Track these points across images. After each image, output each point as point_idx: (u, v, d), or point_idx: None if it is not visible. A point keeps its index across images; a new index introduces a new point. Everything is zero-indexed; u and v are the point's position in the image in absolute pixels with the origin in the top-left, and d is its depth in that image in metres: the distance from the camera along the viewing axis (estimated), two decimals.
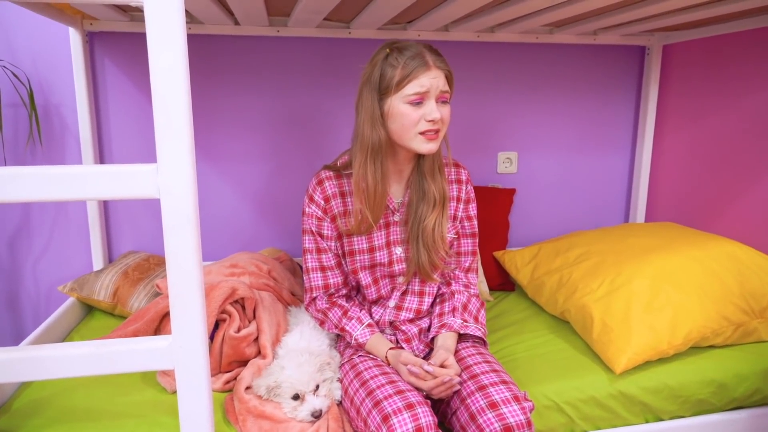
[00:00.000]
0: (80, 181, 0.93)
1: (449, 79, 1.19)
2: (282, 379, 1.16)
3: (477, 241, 1.39)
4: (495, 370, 1.15)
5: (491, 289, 1.94)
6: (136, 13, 1.73)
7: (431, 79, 1.14)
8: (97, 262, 1.86)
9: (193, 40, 1.85)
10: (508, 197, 2.09)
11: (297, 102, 1.95)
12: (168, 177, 0.96)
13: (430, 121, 1.15)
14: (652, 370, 1.35)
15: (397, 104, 1.15)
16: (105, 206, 1.89)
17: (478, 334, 1.28)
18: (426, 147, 1.18)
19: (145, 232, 1.94)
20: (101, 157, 1.87)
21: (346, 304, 1.31)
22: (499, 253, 1.97)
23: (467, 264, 1.38)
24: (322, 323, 1.33)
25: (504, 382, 1.11)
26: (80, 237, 1.89)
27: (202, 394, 1.04)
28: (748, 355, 1.41)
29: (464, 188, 1.35)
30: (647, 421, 1.35)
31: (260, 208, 1.99)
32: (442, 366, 1.13)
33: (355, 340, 1.26)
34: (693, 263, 1.49)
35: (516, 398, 1.07)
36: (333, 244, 1.30)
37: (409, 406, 1.03)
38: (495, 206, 2.06)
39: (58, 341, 1.43)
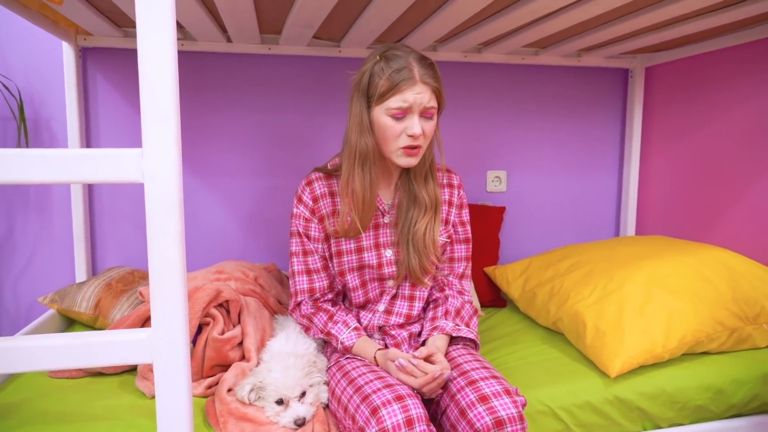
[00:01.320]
0: (65, 164, 0.92)
1: (437, 94, 1.16)
2: (268, 381, 1.12)
3: (470, 247, 1.37)
4: (486, 368, 1.12)
5: (482, 305, 1.91)
6: (129, 29, 1.76)
7: (415, 95, 1.11)
8: (81, 277, 1.82)
9: (185, 56, 1.88)
10: (498, 215, 2.09)
11: (287, 119, 1.97)
12: (153, 162, 0.95)
13: (410, 136, 1.14)
14: (648, 375, 1.32)
15: (380, 115, 1.15)
16: (91, 220, 1.87)
17: (471, 336, 1.25)
18: (404, 161, 1.18)
19: (130, 247, 1.91)
20: None
21: (332, 309, 1.28)
22: (490, 268, 1.95)
23: (461, 270, 1.35)
24: (307, 329, 1.30)
25: (494, 377, 1.07)
26: (64, 251, 1.85)
27: (181, 391, 1.00)
28: (744, 361, 1.38)
29: (456, 193, 1.34)
30: (645, 429, 1.30)
31: (249, 224, 1.98)
32: (428, 359, 1.09)
33: (342, 343, 1.22)
34: (685, 269, 1.48)
35: (507, 392, 1.03)
36: (320, 246, 1.28)
37: (399, 398, 0.99)
38: (485, 224, 2.05)
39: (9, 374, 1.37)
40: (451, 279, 1.34)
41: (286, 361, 1.15)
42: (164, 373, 0.99)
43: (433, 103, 1.15)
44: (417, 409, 0.98)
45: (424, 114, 1.15)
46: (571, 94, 2.19)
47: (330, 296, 1.30)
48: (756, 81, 1.70)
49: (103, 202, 1.88)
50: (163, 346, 0.98)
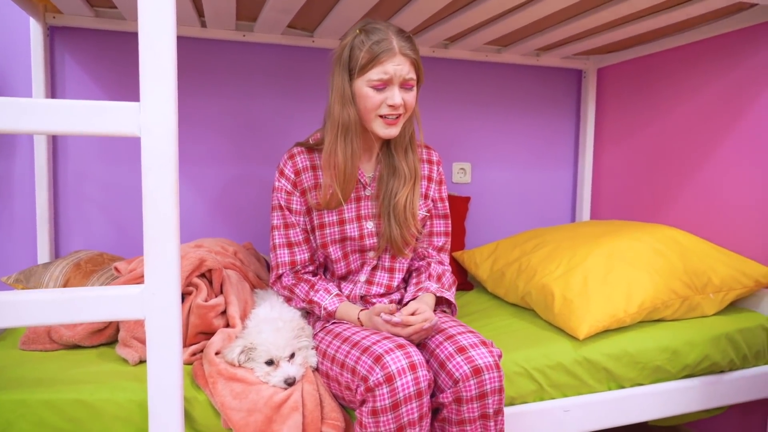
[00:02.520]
0: (61, 114, 0.93)
1: (416, 66, 1.21)
2: (258, 342, 1.13)
3: (449, 223, 1.43)
4: (462, 325, 1.18)
5: None
6: (101, 9, 1.74)
7: (395, 66, 1.16)
8: (43, 260, 1.75)
9: None
10: (463, 205, 2.17)
11: (258, 107, 1.99)
12: (150, 116, 0.97)
13: (390, 105, 1.18)
14: (612, 338, 1.41)
15: (361, 86, 1.19)
16: (54, 203, 1.81)
17: (452, 299, 1.30)
18: (385, 131, 1.22)
19: (95, 231, 1.86)
20: (54, 154, 1.81)
21: (313, 279, 1.31)
22: (458, 253, 2.02)
23: (440, 244, 1.41)
24: (288, 300, 1.31)
25: (470, 332, 1.13)
26: (26, 234, 1.79)
27: (173, 347, 1.01)
28: (696, 326, 1.50)
29: (435, 169, 1.40)
30: (610, 389, 1.39)
31: (219, 210, 1.97)
32: (413, 314, 1.14)
33: (325, 309, 1.25)
34: (640, 244, 1.60)
35: (483, 343, 1.09)
36: (301, 219, 1.30)
37: (401, 346, 1.03)
38: (451, 213, 2.11)
39: None
40: (431, 251, 1.40)
41: (275, 324, 1.16)
42: (156, 329, 1.00)
43: (413, 75, 1.20)
44: (418, 356, 1.03)
45: (404, 85, 1.19)
46: (530, 93, 2.32)
47: (311, 268, 1.33)
48: (696, 80, 1.87)
49: (68, 186, 1.83)
50: (155, 301, 1.00)
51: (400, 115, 1.21)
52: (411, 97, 1.22)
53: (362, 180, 1.31)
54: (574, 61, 2.29)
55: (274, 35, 1.92)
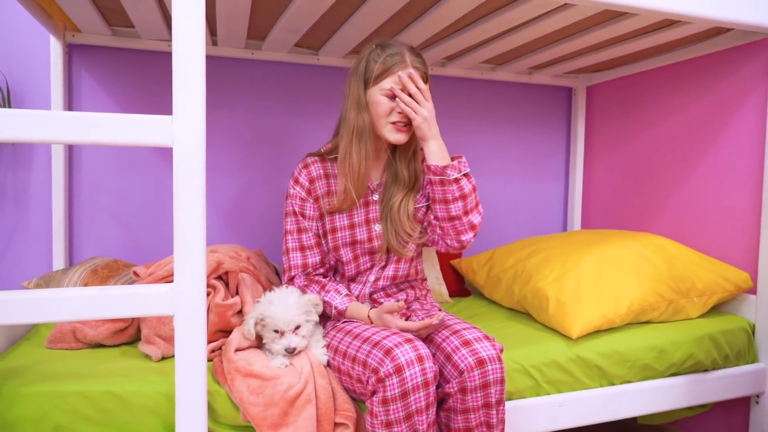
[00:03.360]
0: (100, 127, 1.02)
1: (425, 80, 1.32)
2: (267, 314, 1.21)
3: None
4: (465, 321, 1.26)
5: (450, 294, 2.06)
6: (119, 28, 1.84)
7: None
8: (59, 267, 1.82)
9: (169, 57, 1.97)
10: None
11: (266, 121, 2.08)
12: (181, 128, 1.06)
13: (400, 112, 1.29)
14: (603, 338, 1.50)
15: (375, 94, 1.29)
16: (69, 213, 1.89)
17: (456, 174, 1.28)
18: (394, 137, 1.31)
19: (108, 240, 1.93)
20: (70, 166, 1.89)
21: (324, 280, 1.39)
22: (456, 261, 2.11)
23: None
24: None
25: (474, 327, 1.22)
26: (41, 243, 1.86)
27: (198, 341, 1.09)
28: (681, 327, 1.60)
29: None
30: (602, 386, 1.47)
31: (228, 218, 2.05)
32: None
33: (335, 308, 1.33)
34: (629, 251, 1.70)
35: (486, 338, 1.18)
36: (314, 224, 1.39)
37: (409, 341, 1.12)
38: None
39: (2, 349, 1.39)
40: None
41: (286, 299, 1.23)
42: (184, 324, 1.08)
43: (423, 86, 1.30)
44: (425, 349, 1.11)
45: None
46: (523, 109, 2.44)
47: (321, 270, 1.41)
48: (679, 97, 1.99)
49: (82, 196, 1.91)
50: (184, 299, 1.08)
51: (408, 122, 1.31)
52: None
53: (370, 186, 1.40)
54: (565, 79, 2.41)
55: (282, 53, 2.03)
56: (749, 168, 1.74)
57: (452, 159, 1.30)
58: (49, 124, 0.97)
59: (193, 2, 1.03)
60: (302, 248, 1.38)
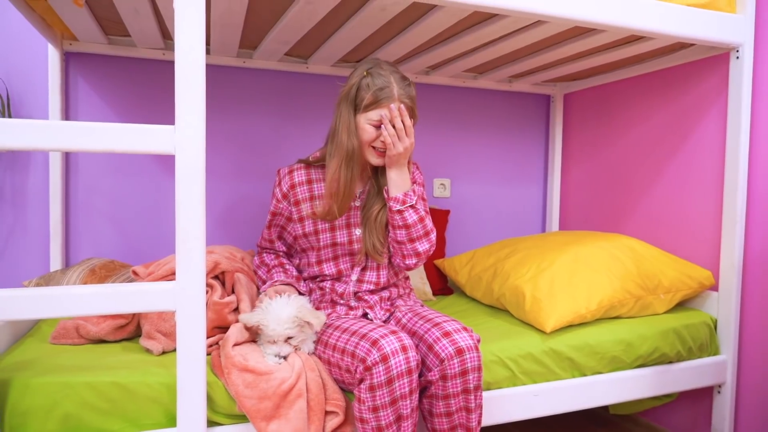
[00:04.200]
0: (108, 136, 1.10)
1: (412, 109, 1.40)
2: (264, 322, 1.29)
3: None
4: (447, 315, 1.36)
5: (433, 293, 2.16)
6: (115, 37, 1.91)
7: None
8: (55, 268, 1.88)
9: (167, 65, 2.04)
10: (443, 217, 2.37)
11: (256, 128, 2.16)
12: (183, 137, 1.15)
13: (383, 141, 1.38)
14: (575, 332, 1.61)
15: (362, 121, 1.38)
16: (66, 215, 1.95)
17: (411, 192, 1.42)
18: (375, 161, 1.43)
19: (103, 242, 2.00)
20: (67, 170, 1.95)
21: (275, 260, 1.59)
22: (439, 261, 2.21)
23: None
24: (259, 264, 1.60)
25: (454, 320, 1.32)
26: (38, 244, 1.92)
27: (198, 334, 1.18)
28: (648, 322, 1.71)
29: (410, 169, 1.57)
30: (574, 377, 1.58)
31: (219, 222, 2.13)
32: None
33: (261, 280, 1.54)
34: (600, 251, 1.81)
35: (465, 329, 1.28)
36: (282, 219, 1.55)
37: (393, 332, 1.21)
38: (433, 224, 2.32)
39: (6, 345, 1.45)
40: None
41: (280, 313, 1.31)
42: (185, 319, 1.16)
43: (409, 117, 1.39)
44: (408, 340, 1.21)
45: None
46: (504, 115, 2.55)
47: (282, 251, 1.61)
48: (647, 106, 2.11)
49: (79, 198, 1.97)
50: (185, 296, 1.17)
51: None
52: None
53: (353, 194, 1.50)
54: (543, 87, 2.53)
55: (272, 62, 2.11)
56: (711, 174, 1.86)
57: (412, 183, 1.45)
58: (66, 134, 1.05)
59: (195, 25, 1.12)
60: (270, 240, 1.59)
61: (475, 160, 2.51)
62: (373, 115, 1.36)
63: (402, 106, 1.36)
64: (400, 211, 1.40)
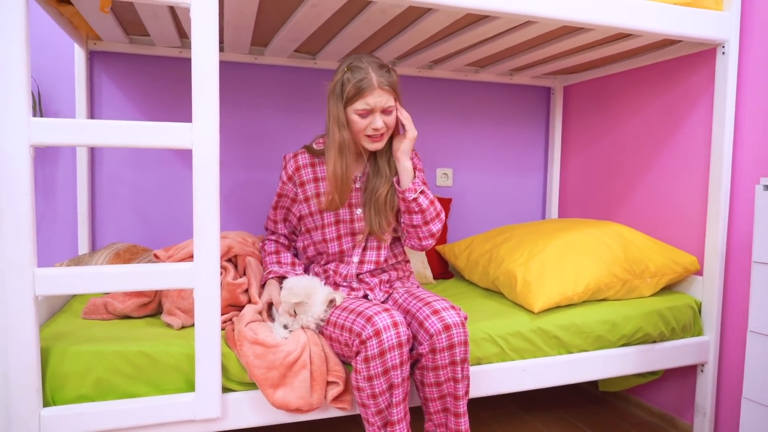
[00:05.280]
0: (134, 133, 1.24)
1: (394, 92, 1.51)
2: (307, 300, 1.44)
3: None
4: (436, 294, 1.50)
5: (434, 277, 2.29)
6: (136, 37, 2.04)
7: (375, 98, 1.46)
8: (83, 250, 2.04)
9: (184, 62, 2.17)
10: (446, 205, 2.49)
11: (267, 119, 2.29)
12: (199, 133, 1.29)
13: (374, 129, 1.50)
14: (563, 312, 1.73)
15: (351, 113, 1.50)
16: (92, 203, 2.11)
17: (423, 191, 1.56)
18: (371, 146, 1.54)
19: (125, 228, 2.15)
20: (93, 162, 2.10)
21: (280, 247, 1.70)
22: (440, 246, 2.33)
23: None
24: (263, 245, 1.72)
25: (443, 299, 1.44)
26: (66, 230, 2.08)
27: (214, 309, 1.32)
28: (633, 304, 1.82)
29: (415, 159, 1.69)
30: (560, 354, 1.70)
31: (233, 210, 2.27)
32: None
33: (268, 270, 1.63)
34: (590, 237, 1.92)
35: (453, 307, 1.40)
36: (288, 201, 1.67)
37: (386, 310, 1.35)
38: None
39: (44, 319, 1.60)
40: None
41: (317, 297, 1.45)
42: (203, 295, 1.31)
43: (391, 102, 1.50)
44: (399, 317, 1.34)
45: (385, 111, 1.50)
46: (505, 107, 2.64)
47: (284, 234, 1.72)
48: (641, 99, 2.20)
49: (104, 188, 2.12)
50: (202, 274, 1.31)
51: (382, 133, 1.52)
52: (391, 119, 1.53)
53: (354, 175, 1.63)
54: (543, 80, 2.61)
55: (282, 58, 2.23)
56: (698, 164, 1.95)
57: (414, 170, 1.56)
58: (98, 131, 1.19)
59: (210, 40, 1.24)
60: (275, 221, 1.71)
61: (477, 151, 2.61)
62: (359, 105, 1.47)
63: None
64: (415, 199, 1.54)
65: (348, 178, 1.56)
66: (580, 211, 2.56)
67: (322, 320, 1.47)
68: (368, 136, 1.52)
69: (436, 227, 1.59)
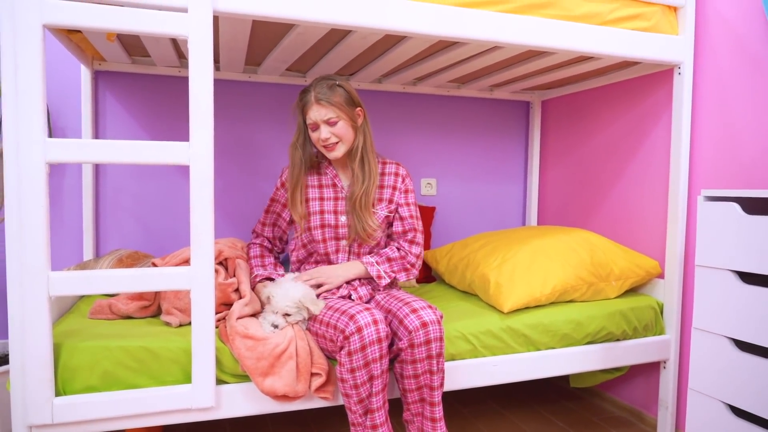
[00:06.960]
0: (137, 151, 1.38)
1: (336, 104, 1.64)
2: (273, 294, 1.58)
3: (415, 221, 1.83)
4: (415, 295, 1.64)
5: (418, 281, 2.43)
6: (137, 58, 2.20)
7: (316, 113, 1.66)
8: (88, 256, 2.19)
9: (179, 81, 2.33)
10: (429, 214, 2.64)
11: (260, 134, 2.44)
12: (196, 150, 1.44)
13: (322, 139, 1.69)
14: (531, 313, 1.87)
15: (308, 129, 1.73)
16: (96, 212, 2.25)
17: (374, 274, 1.74)
18: (329, 155, 1.73)
19: (128, 235, 2.30)
20: (97, 174, 2.25)
21: (264, 251, 1.86)
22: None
23: (410, 237, 1.83)
24: (250, 248, 1.87)
25: (421, 299, 1.59)
26: (72, 237, 2.22)
27: (208, 309, 1.46)
28: (598, 305, 1.96)
29: (401, 180, 1.84)
30: (529, 351, 1.84)
31: (225, 216, 2.41)
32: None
33: (255, 274, 1.79)
34: (559, 243, 2.07)
35: (430, 307, 1.55)
36: (279, 206, 1.85)
37: (367, 309, 1.49)
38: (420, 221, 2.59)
39: (54, 318, 1.73)
40: (401, 242, 1.82)
41: (288, 292, 1.59)
42: (198, 296, 1.45)
43: (332, 114, 1.66)
44: (379, 315, 1.48)
45: (328, 123, 1.68)
46: (486, 121, 2.80)
47: (268, 245, 1.87)
48: (612, 113, 2.35)
49: (107, 198, 2.27)
50: (198, 277, 1.45)
51: (334, 142, 1.70)
52: (339, 128, 1.69)
53: (339, 184, 1.79)
54: (522, 95, 2.77)
55: (274, 76, 2.39)
56: (659, 176, 2.10)
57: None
58: (107, 150, 1.34)
59: (205, 64, 1.39)
60: (264, 224, 1.87)
61: (460, 162, 2.77)
62: (307, 120, 1.71)
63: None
64: (387, 283, 1.78)
65: (296, 187, 1.76)
66: (558, 219, 2.71)
67: (304, 318, 1.62)
68: (324, 146, 1.71)
69: (412, 273, 1.83)
